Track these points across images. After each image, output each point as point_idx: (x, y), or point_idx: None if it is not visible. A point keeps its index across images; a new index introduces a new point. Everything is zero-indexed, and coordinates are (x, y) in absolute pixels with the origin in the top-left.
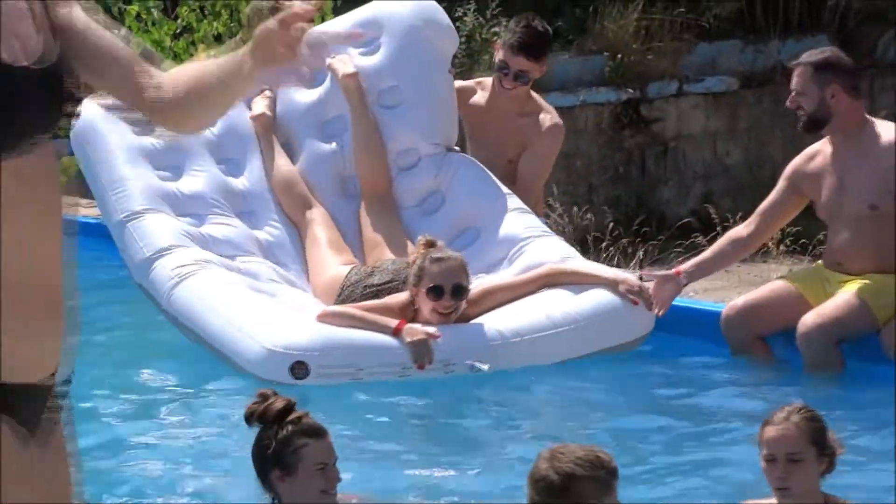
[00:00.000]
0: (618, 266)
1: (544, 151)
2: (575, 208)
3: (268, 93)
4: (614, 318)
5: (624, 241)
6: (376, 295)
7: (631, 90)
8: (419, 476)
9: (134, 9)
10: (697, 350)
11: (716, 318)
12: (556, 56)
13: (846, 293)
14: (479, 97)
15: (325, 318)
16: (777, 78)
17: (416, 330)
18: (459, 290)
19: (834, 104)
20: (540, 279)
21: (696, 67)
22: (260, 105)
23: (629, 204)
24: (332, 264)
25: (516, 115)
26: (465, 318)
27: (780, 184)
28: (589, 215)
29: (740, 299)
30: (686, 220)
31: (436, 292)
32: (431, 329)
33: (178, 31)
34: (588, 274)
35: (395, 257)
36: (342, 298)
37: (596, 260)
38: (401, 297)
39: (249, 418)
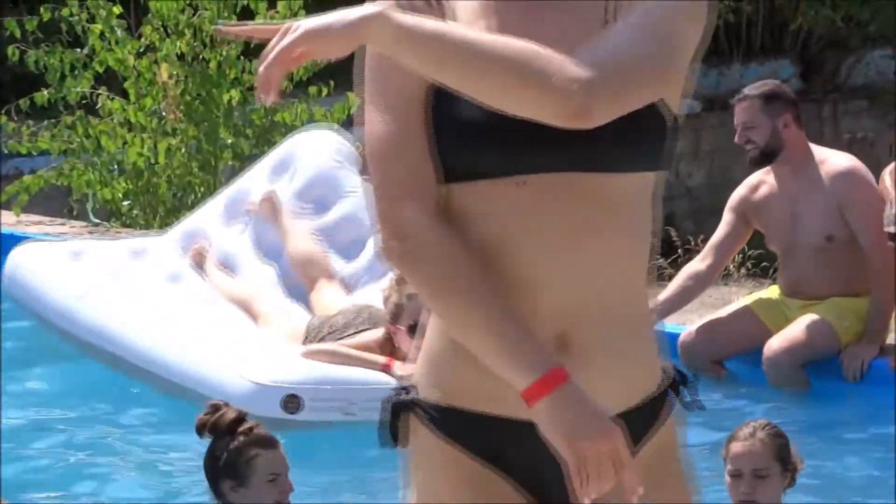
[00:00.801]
0: None
1: None
2: None
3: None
4: None
5: None
6: (341, 332)
7: None
8: None
9: (98, 28)
10: None
11: (676, 339)
12: None
13: (811, 317)
14: None
15: (311, 354)
16: None
17: (407, 367)
18: None
19: (786, 134)
20: None
21: None
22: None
23: None
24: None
25: None
26: None
27: (728, 216)
28: None
29: (698, 324)
30: None
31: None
32: None
33: (141, 50)
34: None
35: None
36: (307, 341)
37: None
38: (376, 335)
39: (201, 429)
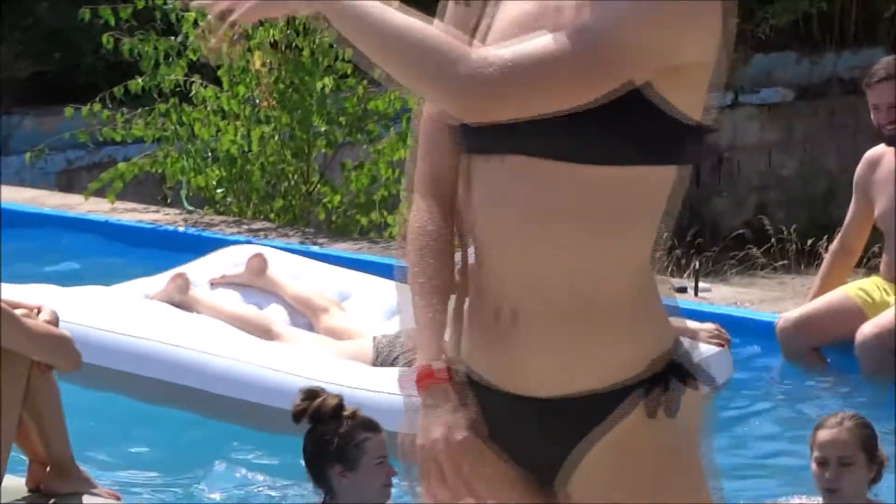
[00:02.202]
0: (671, 276)
1: None
2: None
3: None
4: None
5: (678, 251)
6: (413, 352)
7: None
8: None
9: (192, 16)
10: (754, 357)
11: (772, 327)
12: None
13: None
14: None
15: None
16: (833, 90)
17: None
18: None
19: None
20: None
21: (751, 78)
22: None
23: (683, 214)
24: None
25: None
26: None
27: (854, 194)
28: None
29: (796, 311)
30: (739, 231)
31: None
32: None
33: (234, 38)
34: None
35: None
36: (380, 362)
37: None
38: None
39: (299, 416)
